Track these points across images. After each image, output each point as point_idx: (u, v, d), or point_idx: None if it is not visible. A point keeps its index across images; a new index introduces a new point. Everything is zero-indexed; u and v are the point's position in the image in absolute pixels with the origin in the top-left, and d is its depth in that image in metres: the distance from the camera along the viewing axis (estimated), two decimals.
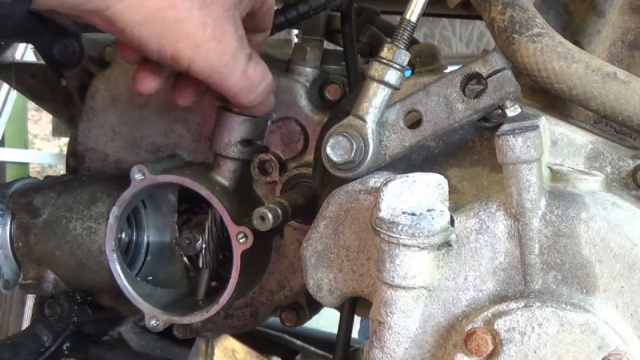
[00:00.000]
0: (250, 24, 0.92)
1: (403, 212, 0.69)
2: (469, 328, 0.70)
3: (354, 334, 1.00)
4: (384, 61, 0.77)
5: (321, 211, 0.80)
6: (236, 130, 0.98)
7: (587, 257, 0.70)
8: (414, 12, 0.78)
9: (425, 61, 0.90)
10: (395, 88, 0.78)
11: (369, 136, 0.78)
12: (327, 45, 1.16)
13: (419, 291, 0.72)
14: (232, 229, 0.95)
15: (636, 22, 0.81)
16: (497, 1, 0.74)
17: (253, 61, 0.89)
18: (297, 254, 1.04)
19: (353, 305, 0.92)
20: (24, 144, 3.85)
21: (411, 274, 0.70)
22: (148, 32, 0.80)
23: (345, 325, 0.93)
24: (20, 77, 1.36)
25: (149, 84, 0.90)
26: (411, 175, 0.71)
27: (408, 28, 0.78)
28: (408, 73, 0.82)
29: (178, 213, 1.08)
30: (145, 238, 1.09)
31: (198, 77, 0.86)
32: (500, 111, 0.75)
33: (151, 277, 1.09)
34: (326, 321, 1.49)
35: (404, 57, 0.78)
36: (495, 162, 0.71)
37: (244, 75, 0.87)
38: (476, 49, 3.52)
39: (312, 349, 1.49)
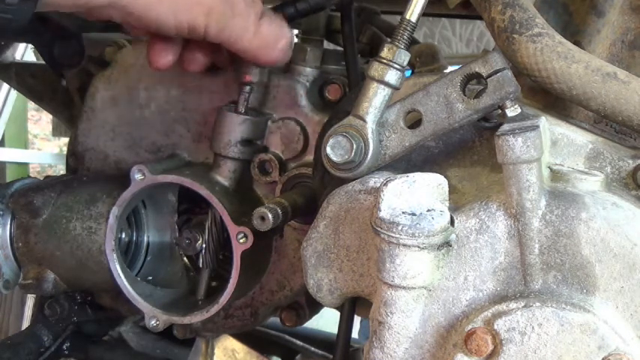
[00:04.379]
0: None
1: (403, 212, 0.69)
2: (469, 328, 0.70)
3: (354, 334, 1.00)
4: (384, 61, 0.77)
5: (321, 211, 0.80)
6: (236, 129, 0.98)
7: (587, 257, 0.70)
8: (414, 12, 0.78)
9: (425, 61, 0.90)
10: (395, 88, 0.78)
11: (369, 136, 0.78)
12: (327, 45, 1.16)
13: (419, 291, 0.72)
14: (232, 229, 0.95)
15: (636, 22, 0.81)
16: (497, 1, 0.74)
17: (266, 18, 0.91)
18: (297, 254, 1.04)
19: (353, 305, 0.92)
20: (24, 144, 3.85)
21: (411, 274, 0.70)
22: (164, 11, 0.84)
23: (345, 325, 0.93)
24: (20, 77, 1.35)
25: (165, 58, 0.93)
26: (411, 175, 0.71)
27: (408, 28, 0.78)
28: (408, 73, 0.82)
29: (178, 213, 1.08)
30: (145, 238, 1.09)
31: (215, 42, 0.89)
32: (500, 111, 0.75)
33: (151, 277, 1.08)
34: (326, 321, 1.49)
35: (404, 57, 0.78)
36: (495, 162, 0.71)
37: (258, 34, 0.90)
38: (476, 49, 3.51)
39: (312, 349, 1.49)
